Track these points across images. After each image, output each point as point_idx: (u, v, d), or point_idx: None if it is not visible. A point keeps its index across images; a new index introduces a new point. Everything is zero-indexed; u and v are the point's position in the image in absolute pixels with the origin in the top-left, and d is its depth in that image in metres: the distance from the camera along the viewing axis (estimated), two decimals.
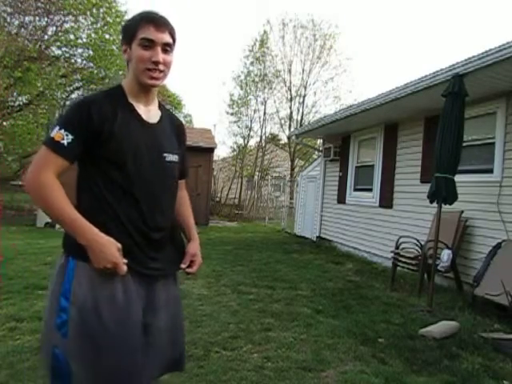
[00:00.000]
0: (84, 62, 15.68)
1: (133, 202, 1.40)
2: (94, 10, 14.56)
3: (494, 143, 5.01)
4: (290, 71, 20.71)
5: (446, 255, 4.67)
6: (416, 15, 50.88)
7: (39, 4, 13.55)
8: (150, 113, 1.50)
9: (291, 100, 21.03)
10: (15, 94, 14.61)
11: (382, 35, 46.59)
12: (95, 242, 1.29)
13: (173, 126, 1.60)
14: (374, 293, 4.91)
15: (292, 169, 20.59)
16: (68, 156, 1.33)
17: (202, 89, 63.60)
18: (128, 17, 16.68)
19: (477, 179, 5.13)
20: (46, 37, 14.66)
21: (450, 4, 48.29)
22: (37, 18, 14.04)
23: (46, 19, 14.18)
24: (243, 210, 17.37)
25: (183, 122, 1.78)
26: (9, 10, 13.59)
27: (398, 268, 5.41)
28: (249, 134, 20.60)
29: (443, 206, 4.39)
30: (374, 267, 6.60)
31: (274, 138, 24.62)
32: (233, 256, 7.14)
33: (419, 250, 5.03)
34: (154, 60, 1.39)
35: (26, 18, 14.01)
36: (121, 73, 14.72)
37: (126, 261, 1.34)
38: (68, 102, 17.93)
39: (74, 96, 17.99)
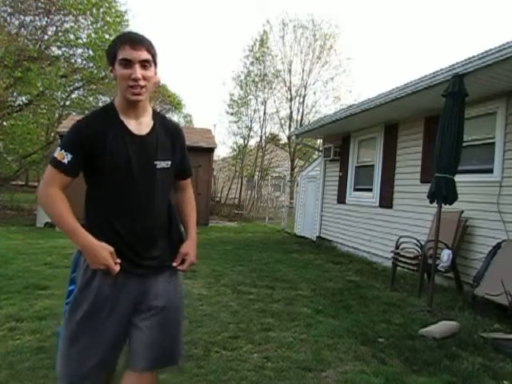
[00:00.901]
0: (84, 61, 15.69)
1: (124, 209, 1.61)
2: (94, 10, 14.56)
3: (493, 143, 5.01)
4: (290, 71, 20.75)
5: (446, 255, 4.67)
6: (416, 15, 50.90)
7: (39, 4, 13.56)
8: (141, 125, 1.65)
9: (291, 100, 21.05)
10: (15, 93, 14.61)
11: (381, 35, 46.61)
12: (89, 247, 1.52)
13: (167, 131, 1.72)
14: (374, 293, 4.91)
15: (292, 169, 20.58)
16: (69, 172, 1.55)
17: (202, 89, 63.68)
18: (128, 17, 16.72)
19: (477, 179, 5.13)
20: (46, 37, 14.66)
21: (450, 4, 48.31)
22: (37, 18, 14.05)
23: (46, 19, 14.19)
24: (243, 210, 17.37)
25: (179, 125, 1.88)
26: (9, 9, 13.59)
27: (398, 268, 5.41)
28: (249, 134, 20.64)
29: (443, 205, 4.40)
30: (374, 267, 6.61)
31: (273, 138, 24.62)
32: (233, 256, 7.14)
33: (419, 250, 5.03)
34: (133, 77, 1.53)
35: (26, 18, 14.01)
36: None
37: (119, 261, 1.55)
38: (68, 102, 17.96)
39: (74, 96, 18.01)
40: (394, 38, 48.83)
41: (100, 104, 17.99)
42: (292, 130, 19.32)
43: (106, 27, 15.01)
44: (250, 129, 20.49)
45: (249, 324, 3.57)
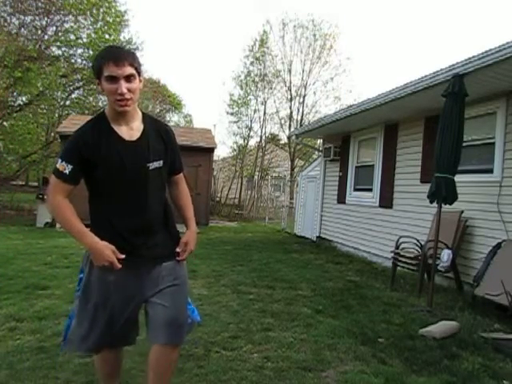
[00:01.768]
0: (84, 61, 15.70)
1: (122, 208, 1.80)
2: (94, 10, 14.57)
3: (493, 143, 5.01)
4: (290, 71, 20.72)
5: (446, 255, 4.67)
6: (416, 15, 50.90)
7: (39, 4, 13.56)
8: (132, 130, 1.81)
9: (291, 100, 21.04)
10: (15, 94, 14.62)
11: (381, 35, 46.63)
12: (94, 247, 1.74)
13: (157, 132, 1.88)
14: (374, 293, 4.90)
15: (292, 169, 20.56)
16: (71, 181, 1.74)
17: (202, 89, 63.71)
18: (128, 17, 16.71)
19: (477, 179, 5.13)
20: (46, 37, 14.67)
21: (450, 4, 48.30)
22: (37, 18, 14.05)
23: (46, 19, 14.20)
24: (243, 209, 17.37)
25: (168, 125, 2.07)
26: (9, 9, 13.59)
27: (398, 268, 5.41)
28: (249, 134, 20.64)
29: (443, 205, 4.39)
30: (374, 267, 6.60)
31: (273, 138, 24.60)
32: (233, 256, 7.13)
33: (419, 249, 5.03)
34: (119, 92, 1.68)
35: (26, 18, 14.02)
36: None
37: (122, 256, 1.76)
38: (68, 102, 17.97)
39: (73, 96, 18.02)
40: (394, 38, 48.86)
41: (100, 104, 18.02)
42: (292, 129, 19.31)
43: (106, 27, 15.01)
44: (250, 129, 20.52)
45: (249, 324, 3.57)
